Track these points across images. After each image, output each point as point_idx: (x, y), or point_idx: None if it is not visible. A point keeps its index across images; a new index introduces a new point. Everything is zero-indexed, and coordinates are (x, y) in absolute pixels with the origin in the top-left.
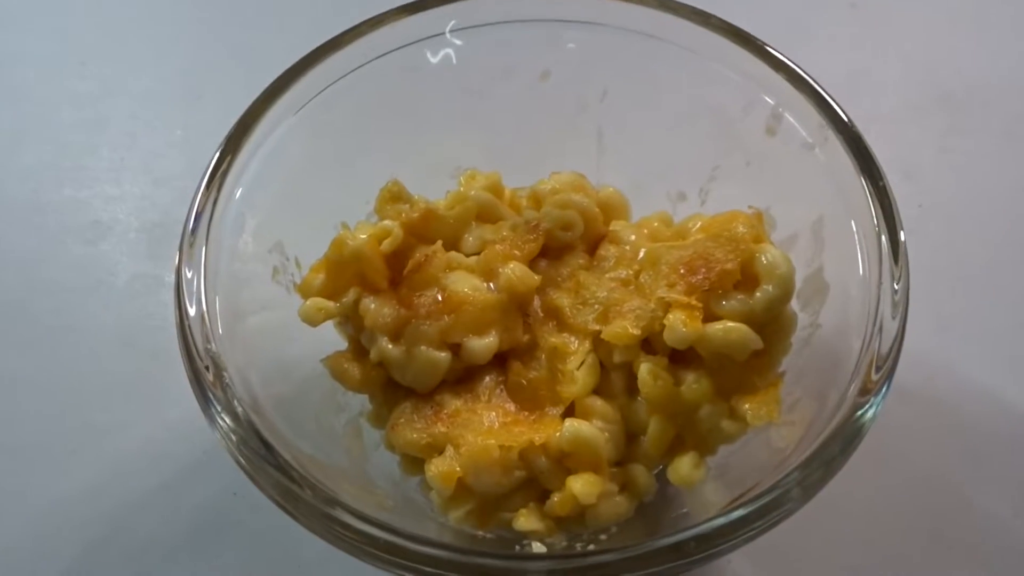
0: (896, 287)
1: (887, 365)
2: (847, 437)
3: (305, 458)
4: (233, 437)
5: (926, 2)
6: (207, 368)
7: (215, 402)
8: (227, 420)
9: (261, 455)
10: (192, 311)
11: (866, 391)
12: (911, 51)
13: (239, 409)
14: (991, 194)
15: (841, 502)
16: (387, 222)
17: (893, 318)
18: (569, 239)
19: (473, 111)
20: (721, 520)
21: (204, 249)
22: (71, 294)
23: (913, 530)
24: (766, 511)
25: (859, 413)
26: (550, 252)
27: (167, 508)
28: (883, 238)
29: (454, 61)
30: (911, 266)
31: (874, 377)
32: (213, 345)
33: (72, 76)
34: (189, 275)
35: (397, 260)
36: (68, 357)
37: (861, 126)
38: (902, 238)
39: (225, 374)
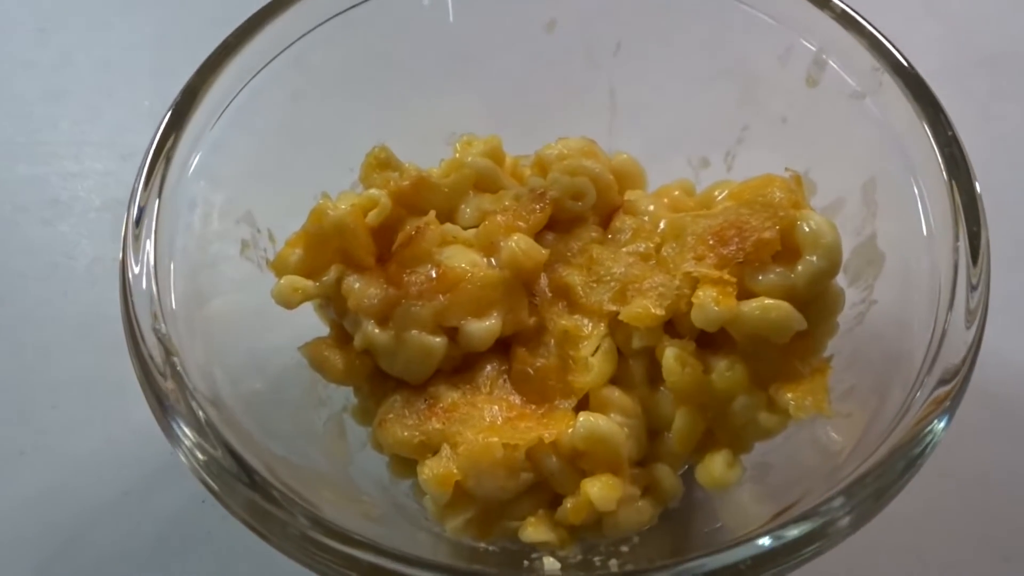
0: (973, 265)
1: (965, 366)
2: (918, 448)
3: (278, 463)
4: (195, 450)
5: None
6: (150, 357)
7: (172, 406)
8: (185, 428)
9: (225, 465)
10: (139, 291)
11: (939, 400)
12: (952, 11)
13: (199, 411)
14: None
15: (896, 516)
16: (373, 191)
17: (973, 290)
18: (580, 210)
19: (470, 68)
20: (768, 541)
21: (154, 223)
22: (24, 280)
23: (964, 537)
24: (820, 534)
25: (929, 428)
26: (558, 224)
27: (128, 518)
28: (955, 196)
29: (448, 9)
30: None
31: (946, 387)
32: (164, 327)
33: (29, 44)
34: (135, 254)
35: (385, 234)
36: (19, 349)
37: None
38: (975, 182)
39: (180, 367)
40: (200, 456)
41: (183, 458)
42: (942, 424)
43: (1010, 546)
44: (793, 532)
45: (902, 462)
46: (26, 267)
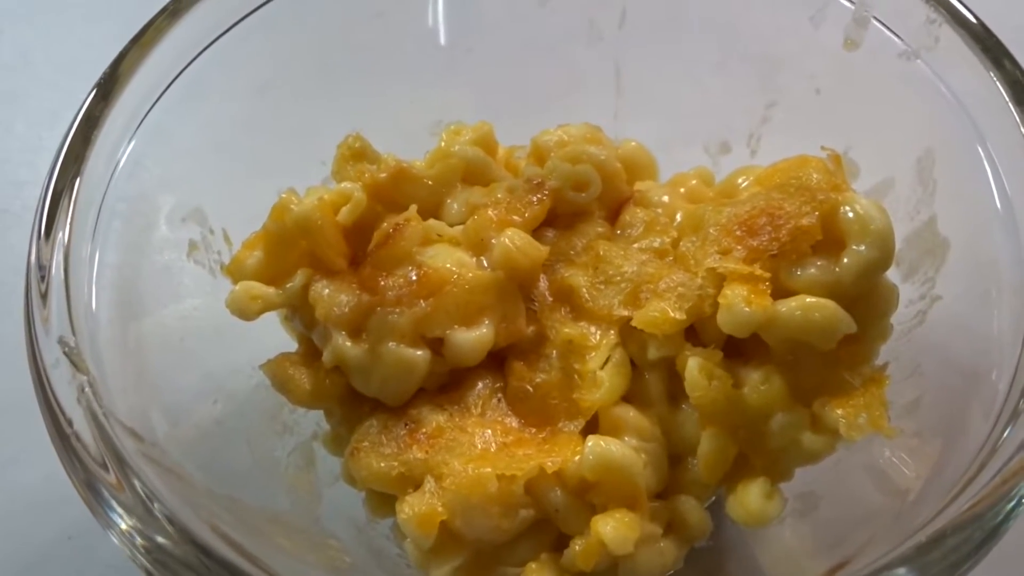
0: None
1: None
2: (1003, 516)
3: (222, 508)
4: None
5: None
6: (48, 382)
7: (71, 439)
8: (116, 506)
9: (141, 517)
10: (42, 303)
11: None
12: None
13: (119, 445)
14: None
15: None
16: (346, 184)
17: None
18: (584, 202)
19: (456, 50)
20: None
21: (68, 221)
22: None
23: None
24: None
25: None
26: (559, 219)
27: (70, 564)
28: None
29: None
30: None
31: None
32: (72, 343)
33: None
34: (39, 259)
35: (359, 233)
36: None
37: None
38: None
39: (90, 392)
40: (125, 528)
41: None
42: None
43: None
44: None
45: (991, 524)
46: None
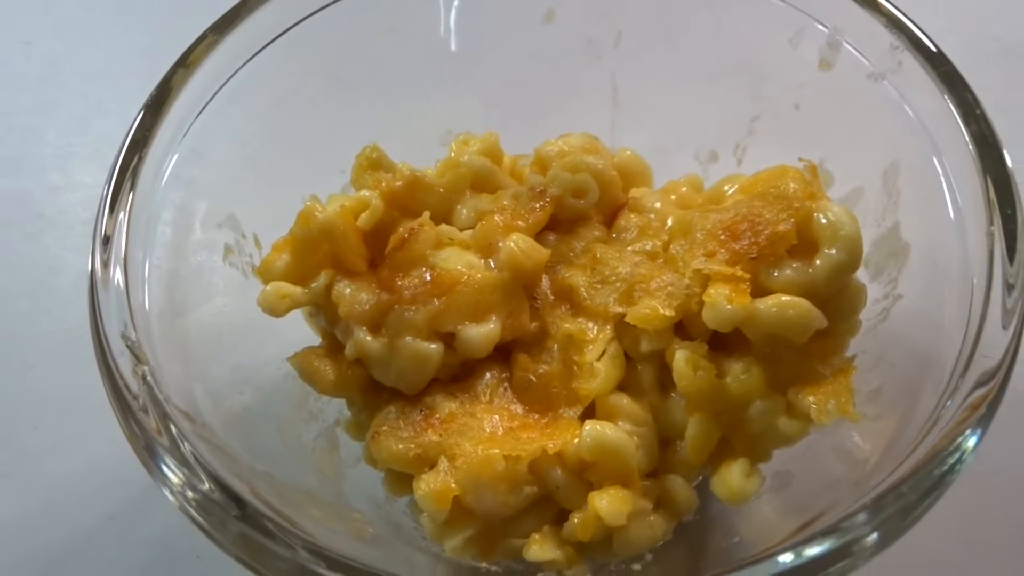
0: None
1: (1002, 370)
2: (955, 456)
3: (262, 481)
4: (169, 467)
5: None
6: (117, 368)
7: (141, 423)
8: (170, 464)
9: (201, 484)
10: (107, 302)
11: (974, 405)
12: (960, 4)
13: (174, 426)
14: None
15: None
16: (365, 192)
17: (1010, 290)
18: (582, 208)
19: (466, 63)
20: (789, 558)
21: (125, 230)
22: (6, 296)
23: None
24: (847, 550)
25: (962, 437)
26: (560, 224)
27: (113, 543)
28: (985, 178)
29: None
30: None
31: (981, 391)
32: (134, 336)
33: (15, 56)
34: (101, 263)
35: (377, 237)
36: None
37: None
38: (1010, 166)
39: (149, 378)
40: (174, 479)
41: (164, 490)
42: (977, 432)
43: None
44: (815, 550)
45: (935, 473)
46: (8, 283)
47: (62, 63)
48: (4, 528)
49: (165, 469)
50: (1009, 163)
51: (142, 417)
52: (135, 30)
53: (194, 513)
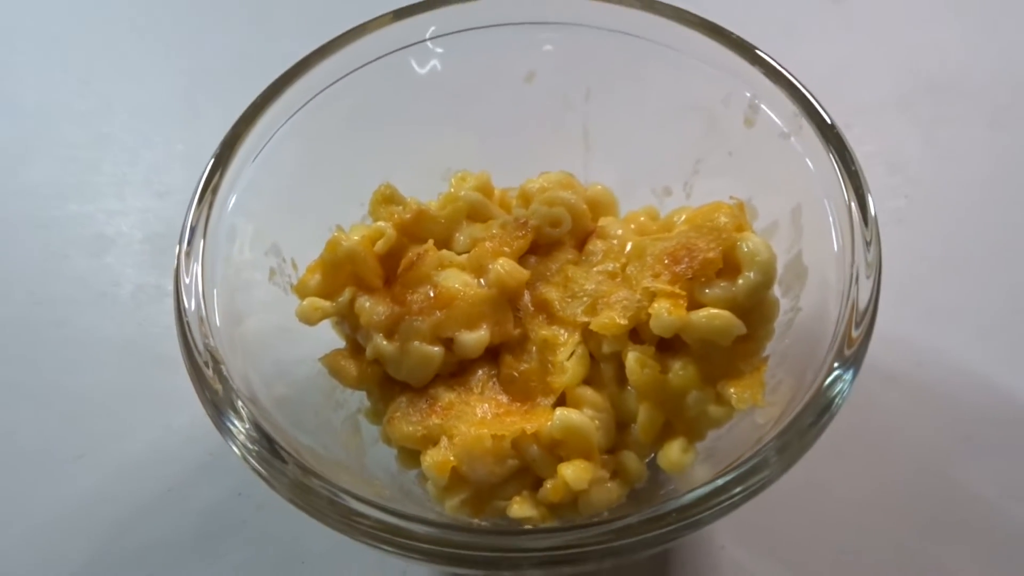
0: (868, 251)
1: (865, 322)
2: (822, 405)
3: (305, 451)
4: (246, 441)
5: None
6: (207, 364)
7: (222, 404)
8: (235, 422)
9: (266, 447)
10: (191, 311)
11: (841, 358)
12: (895, 44)
13: (241, 407)
14: (977, 183)
15: (833, 486)
16: (380, 223)
17: (867, 277)
18: (557, 235)
19: (462, 114)
20: (701, 490)
21: (201, 254)
22: (76, 306)
23: (903, 511)
24: (742, 480)
25: (831, 380)
26: (539, 248)
27: (173, 510)
28: (854, 212)
29: (440, 66)
30: (899, 256)
31: (853, 334)
32: (211, 340)
33: (73, 94)
34: (187, 280)
35: (391, 260)
36: (74, 367)
37: (846, 119)
38: (872, 209)
39: (226, 372)
40: (250, 446)
41: (234, 448)
42: (851, 370)
43: (942, 517)
44: (721, 480)
45: (812, 411)
46: (78, 295)
47: (113, 101)
48: (83, 497)
49: (235, 431)
50: (872, 207)
51: (218, 397)
52: (174, 72)
53: (255, 464)
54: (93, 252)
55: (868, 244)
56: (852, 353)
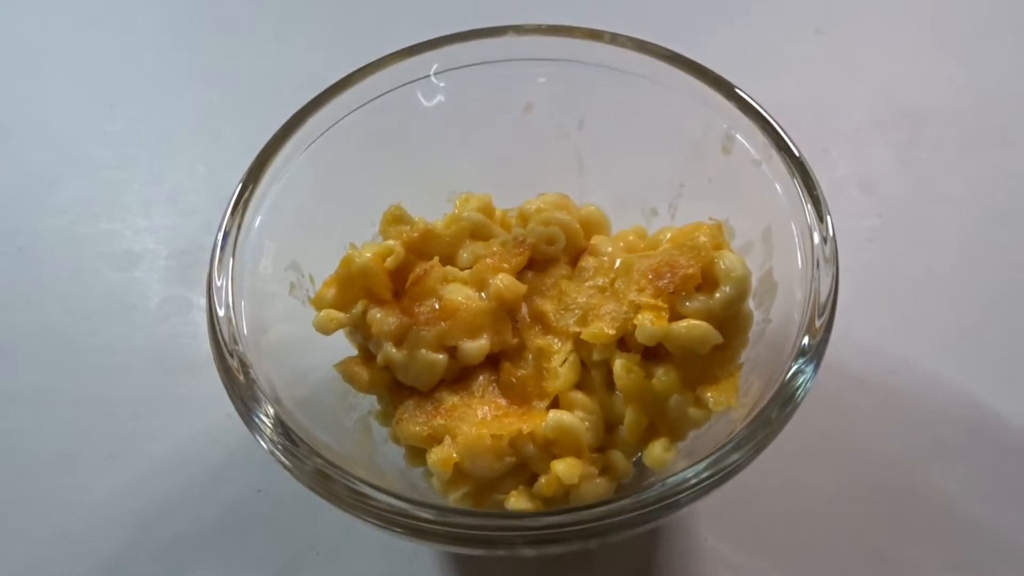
0: (827, 269)
1: (824, 318)
2: (786, 396)
3: (322, 447)
4: (272, 435)
5: (886, 27)
6: (238, 369)
7: (249, 400)
8: (263, 418)
9: (290, 441)
10: (222, 319)
11: (803, 356)
12: (873, 73)
13: (268, 406)
14: (946, 203)
15: (808, 484)
16: (390, 242)
17: (827, 293)
18: (553, 252)
19: (465, 142)
20: (678, 476)
21: (230, 270)
22: (107, 317)
23: (873, 507)
24: (713, 465)
25: (792, 374)
26: (536, 264)
27: (197, 505)
28: (816, 233)
29: (445, 98)
30: (872, 272)
31: (809, 342)
32: (240, 347)
33: (103, 119)
34: (219, 283)
35: (399, 275)
36: (105, 373)
37: (825, 143)
38: (831, 231)
39: (253, 375)
40: (275, 439)
41: (262, 442)
42: (812, 363)
43: (908, 513)
44: (695, 466)
45: (777, 402)
46: (109, 307)
47: (139, 123)
48: (114, 494)
49: (262, 427)
50: (830, 231)
51: (248, 396)
52: (196, 99)
53: (280, 455)
54: (122, 267)
55: (827, 262)
56: (810, 353)
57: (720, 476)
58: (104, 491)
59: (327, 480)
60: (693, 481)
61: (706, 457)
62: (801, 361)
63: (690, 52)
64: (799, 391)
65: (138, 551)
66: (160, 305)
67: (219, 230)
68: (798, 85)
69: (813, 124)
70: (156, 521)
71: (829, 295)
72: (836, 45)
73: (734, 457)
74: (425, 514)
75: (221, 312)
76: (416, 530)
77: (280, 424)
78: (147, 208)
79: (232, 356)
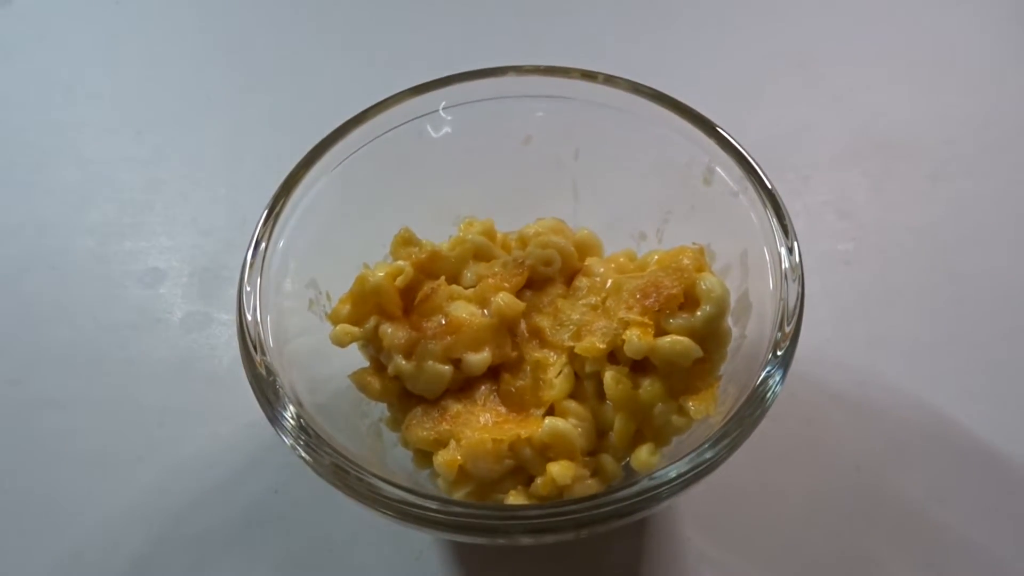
0: (794, 288)
1: (791, 327)
2: (757, 398)
3: (339, 447)
4: (297, 435)
5: (862, 62)
6: (266, 376)
7: (275, 403)
8: (288, 419)
9: (312, 439)
10: (250, 319)
11: (773, 362)
12: (850, 106)
13: (293, 411)
14: (915, 229)
15: (784, 487)
16: (400, 262)
17: (792, 310)
18: (549, 273)
19: (470, 171)
20: (660, 472)
21: (258, 287)
22: (134, 331)
23: (843, 509)
24: (690, 461)
25: (763, 378)
26: (534, 284)
27: (220, 505)
28: (784, 258)
29: (452, 131)
30: (846, 292)
31: (778, 354)
32: (267, 356)
33: (130, 143)
34: (248, 290)
35: (409, 293)
36: (133, 384)
37: (805, 171)
38: (797, 257)
39: (278, 383)
40: (299, 437)
41: (286, 440)
42: (780, 369)
43: (877, 515)
44: (674, 463)
45: (750, 405)
46: (136, 321)
47: (164, 148)
48: (142, 495)
49: (287, 427)
50: (797, 257)
51: (275, 399)
52: (218, 126)
53: (302, 452)
54: (148, 284)
55: (794, 280)
56: (778, 360)
57: (697, 472)
58: (134, 490)
59: (343, 473)
60: (673, 475)
61: (686, 454)
62: (770, 367)
63: (679, 86)
64: (769, 394)
65: (167, 545)
66: (183, 320)
67: (250, 244)
68: (781, 117)
69: (795, 154)
70: (182, 518)
71: (795, 307)
72: (817, 79)
73: (710, 454)
74: (432, 504)
75: (249, 317)
76: (424, 520)
77: (302, 424)
78: (171, 228)
79: (260, 354)
